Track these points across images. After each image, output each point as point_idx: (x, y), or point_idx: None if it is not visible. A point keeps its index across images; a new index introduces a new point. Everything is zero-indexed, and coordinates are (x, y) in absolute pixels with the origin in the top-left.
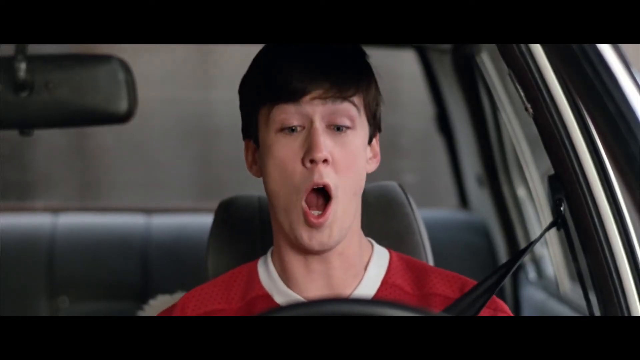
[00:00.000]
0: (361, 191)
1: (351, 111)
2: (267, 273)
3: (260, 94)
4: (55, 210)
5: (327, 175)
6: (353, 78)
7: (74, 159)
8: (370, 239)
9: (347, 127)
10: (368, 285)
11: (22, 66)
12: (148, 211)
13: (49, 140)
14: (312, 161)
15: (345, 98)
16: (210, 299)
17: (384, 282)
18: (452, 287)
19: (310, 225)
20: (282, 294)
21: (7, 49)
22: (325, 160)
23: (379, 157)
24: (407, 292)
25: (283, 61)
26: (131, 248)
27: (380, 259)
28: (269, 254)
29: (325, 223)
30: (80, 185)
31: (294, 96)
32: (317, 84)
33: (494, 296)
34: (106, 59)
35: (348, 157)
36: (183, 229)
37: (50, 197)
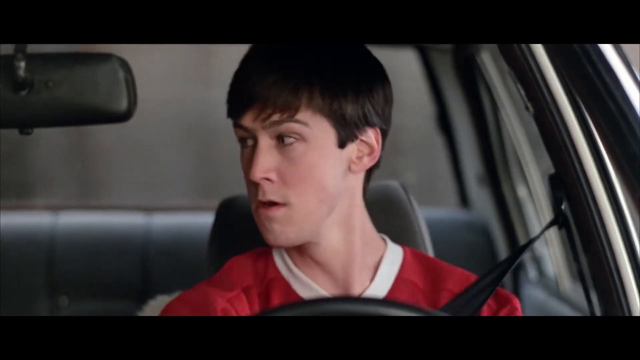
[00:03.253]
0: (331, 194)
1: (294, 128)
2: (282, 259)
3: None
4: (55, 209)
5: (271, 193)
6: (291, 96)
7: (73, 158)
8: (384, 236)
9: (295, 140)
10: (381, 282)
11: (22, 65)
12: (148, 210)
13: (49, 139)
14: (253, 181)
15: (288, 118)
16: (245, 275)
17: (398, 278)
18: (464, 285)
19: (262, 219)
20: (297, 279)
21: (7, 48)
22: (267, 179)
23: (376, 151)
24: (420, 288)
25: (236, 77)
26: (131, 247)
27: (393, 255)
28: None
29: (273, 220)
30: (80, 184)
31: (235, 114)
32: (254, 104)
33: (500, 289)
34: (106, 57)
35: (299, 170)
36: (183, 228)
37: (49, 196)
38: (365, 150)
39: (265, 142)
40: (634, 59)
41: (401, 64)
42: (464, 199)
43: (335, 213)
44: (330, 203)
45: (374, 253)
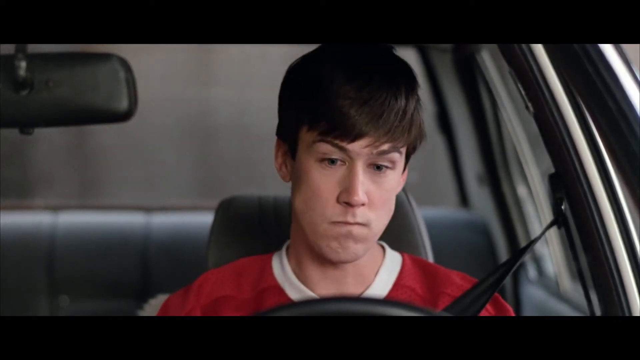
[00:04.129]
0: (390, 216)
1: (395, 156)
2: (281, 267)
3: (313, 118)
4: (55, 209)
5: (361, 216)
6: (406, 129)
7: (74, 158)
8: (382, 243)
9: (387, 167)
10: (379, 288)
11: (22, 64)
12: (148, 209)
13: (49, 139)
14: (348, 203)
15: (394, 148)
16: (222, 285)
17: (396, 284)
18: (462, 289)
19: (341, 236)
20: (294, 288)
21: (7, 47)
22: (362, 204)
23: (405, 176)
24: (418, 293)
25: (347, 95)
26: (131, 246)
27: (392, 263)
28: (283, 250)
29: (351, 244)
30: (80, 183)
31: (349, 137)
32: (375, 133)
33: (499, 297)
34: (106, 57)
35: (384, 195)
36: (183, 227)
37: (50, 196)
38: (403, 179)
39: (363, 167)
40: (634, 59)
41: None
42: (464, 199)
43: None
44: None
45: (373, 260)
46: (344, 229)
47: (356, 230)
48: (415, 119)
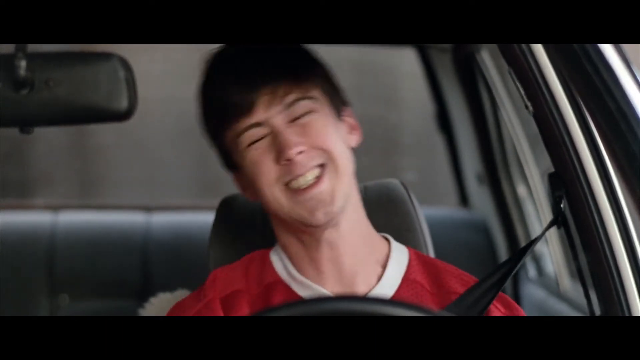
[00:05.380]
0: (351, 168)
1: (307, 102)
2: (281, 262)
3: (217, 119)
4: (56, 208)
5: (310, 160)
6: (299, 75)
7: (74, 157)
8: (386, 235)
9: (306, 114)
10: (389, 283)
11: (23, 64)
12: (148, 209)
13: (49, 138)
14: (287, 159)
15: (300, 95)
16: (233, 281)
17: (405, 279)
18: (467, 286)
19: (307, 199)
20: (297, 282)
21: (8, 47)
22: (299, 152)
23: (358, 129)
24: (427, 289)
25: (224, 79)
26: (131, 246)
27: (399, 255)
28: (279, 246)
29: (323, 190)
30: (81, 182)
31: (249, 109)
32: (268, 92)
33: (508, 298)
34: (106, 56)
35: (320, 136)
36: (183, 227)
37: (50, 195)
38: (347, 128)
39: (284, 125)
40: (634, 59)
41: (401, 63)
42: (463, 198)
43: (350, 195)
44: (349, 180)
45: (379, 250)
46: (306, 191)
47: (311, 175)
48: (300, 68)
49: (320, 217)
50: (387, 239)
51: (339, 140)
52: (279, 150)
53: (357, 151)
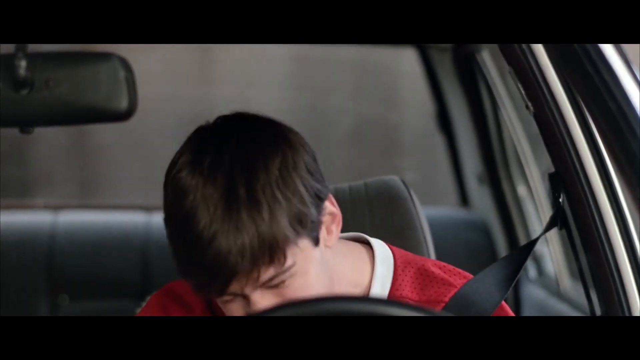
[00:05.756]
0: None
1: (287, 276)
2: None
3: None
4: (56, 208)
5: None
6: (274, 251)
7: (74, 157)
8: (368, 238)
9: (283, 282)
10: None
11: (23, 64)
12: (148, 209)
13: (49, 138)
14: None
15: (279, 272)
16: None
17: (390, 296)
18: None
19: None
20: None
21: (8, 47)
22: None
23: (338, 214)
24: (415, 300)
25: (191, 270)
26: (131, 246)
27: (383, 272)
28: None
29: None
30: (81, 182)
31: (215, 292)
32: (236, 277)
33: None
34: (106, 56)
35: (299, 291)
36: None
37: (50, 195)
38: (330, 220)
39: (259, 294)
40: (634, 59)
41: (402, 63)
42: (464, 198)
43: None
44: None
45: (361, 274)
46: None
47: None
48: (276, 234)
49: None
50: (368, 244)
51: (317, 279)
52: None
53: (357, 151)
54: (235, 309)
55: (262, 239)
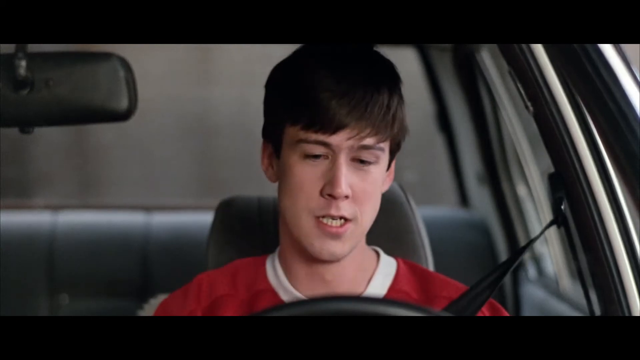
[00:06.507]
0: (372, 220)
1: (377, 154)
2: (273, 270)
3: (294, 113)
4: (55, 208)
5: (345, 209)
6: (389, 124)
7: (73, 157)
8: (376, 248)
9: (371, 163)
10: (374, 293)
11: (22, 64)
12: (148, 209)
13: (49, 138)
14: (331, 195)
15: (377, 143)
16: (220, 285)
17: (391, 289)
18: (457, 293)
19: (325, 234)
20: (287, 292)
21: (7, 47)
22: (345, 196)
23: (392, 175)
24: (413, 297)
25: (327, 88)
26: (131, 246)
27: (386, 267)
28: (276, 253)
29: (341, 236)
30: (80, 182)
31: (330, 129)
32: (357, 125)
33: (493, 301)
34: (106, 56)
35: (368, 190)
36: (183, 227)
37: (50, 195)
38: (389, 174)
39: (346, 160)
40: (634, 59)
41: (401, 62)
42: (463, 198)
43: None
44: (370, 223)
45: (367, 267)
46: (328, 228)
47: (344, 228)
48: (398, 115)
49: (325, 256)
50: (377, 253)
51: (378, 197)
52: (330, 184)
53: None
54: (312, 172)
55: (382, 104)
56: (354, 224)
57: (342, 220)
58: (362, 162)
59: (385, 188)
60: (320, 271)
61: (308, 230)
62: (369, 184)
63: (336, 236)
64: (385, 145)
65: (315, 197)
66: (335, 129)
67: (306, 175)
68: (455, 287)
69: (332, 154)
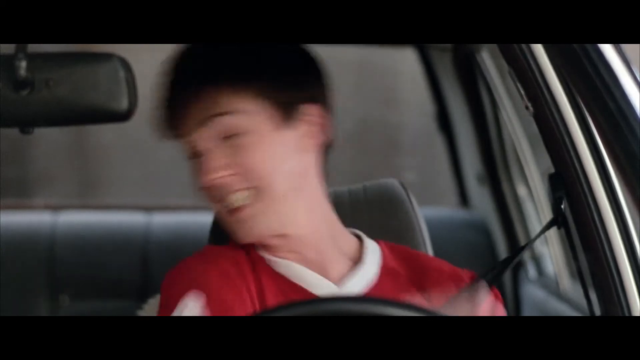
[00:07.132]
0: (291, 185)
1: (234, 122)
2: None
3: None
4: (56, 208)
5: (232, 186)
6: (227, 87)
7: (74, 157)
8: (357, 231)
9: (236, 134)
10: (367, 271)
11: (23, 64)
12: (148, 209)
13: (49, 138)
14: (205, 187)
15: (224, 111)
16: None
17: (384, 267)
18: (443, 265)
19: (230, 219)
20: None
21: (8, 47)
22: (221, 177)
23: (325, 126)
24: (403, 274)
25: (162, 102)
26: (131, 246)
27: (372, 246)
28: None
29: (251, 214)
30: (81, 183)
31: (174, 133)
32: (191, 106)
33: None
34: (107, 57)
35: (248, 160)
36: (183, 227)
37: (50, 195)
38: (307, 129)
39: (213, 143)
40: (634, 59)
41: (401, 62)
42: (463, 198)
43: (299, 199)
44: (291, 186)
45: (349, 244)
46: (229, 207)
47: (240, 196)
48: (234, 74)
49: (247, 238)
50: (357, 235)
51: (275, 160)
52: (201, 176)
53: (356, 151)
54: (195, 171)
55: (224, 64)
56: (261, 191)
57: (243, 198)
58: (228, 137)
59: (314, 142)
60: (289, 249)
61: (227, 222)
62: (246, 155)
63: (238, 220)
64: (250, 106)
65: (207, 190)
66: (175, 130)
67: (194, 174)
68: (438, 260)
69: (198, 147)
